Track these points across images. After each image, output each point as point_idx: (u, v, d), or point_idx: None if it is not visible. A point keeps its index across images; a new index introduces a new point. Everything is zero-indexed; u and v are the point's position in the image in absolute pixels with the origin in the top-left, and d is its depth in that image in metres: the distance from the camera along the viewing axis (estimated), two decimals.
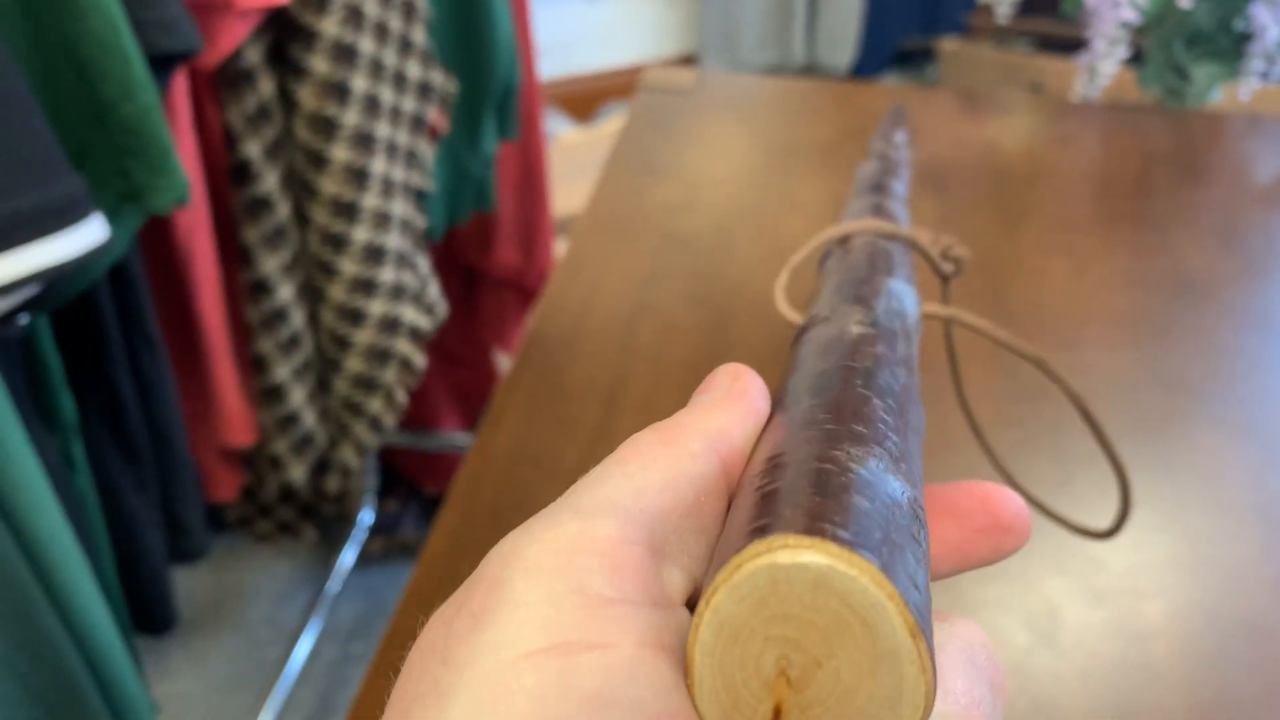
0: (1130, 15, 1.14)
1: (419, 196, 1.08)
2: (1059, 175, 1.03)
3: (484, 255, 1.38)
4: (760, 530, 0.16)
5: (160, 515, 0.94)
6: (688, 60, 2.90)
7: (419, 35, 1.01)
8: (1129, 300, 0.81)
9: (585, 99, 2.56)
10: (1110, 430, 0.66)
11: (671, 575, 0.18)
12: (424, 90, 1.04)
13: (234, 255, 0.98)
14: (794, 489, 0.17)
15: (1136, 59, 1.24)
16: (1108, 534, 0.34)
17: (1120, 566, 0.57)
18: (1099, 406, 0.69)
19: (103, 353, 0.83)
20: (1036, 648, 0.52)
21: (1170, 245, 0.89)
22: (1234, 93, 1.19)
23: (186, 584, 1.50)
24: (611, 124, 2.26)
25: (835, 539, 0.15)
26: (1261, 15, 1.10)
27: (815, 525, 0.15)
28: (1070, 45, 1.36)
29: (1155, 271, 0.85)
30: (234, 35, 0.86)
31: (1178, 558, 0.58)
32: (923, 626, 0.15)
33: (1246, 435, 0.67)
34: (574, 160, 2.00)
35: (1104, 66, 1.18)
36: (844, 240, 0.30)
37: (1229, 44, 1.18)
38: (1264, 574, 0.56)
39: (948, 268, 0.33)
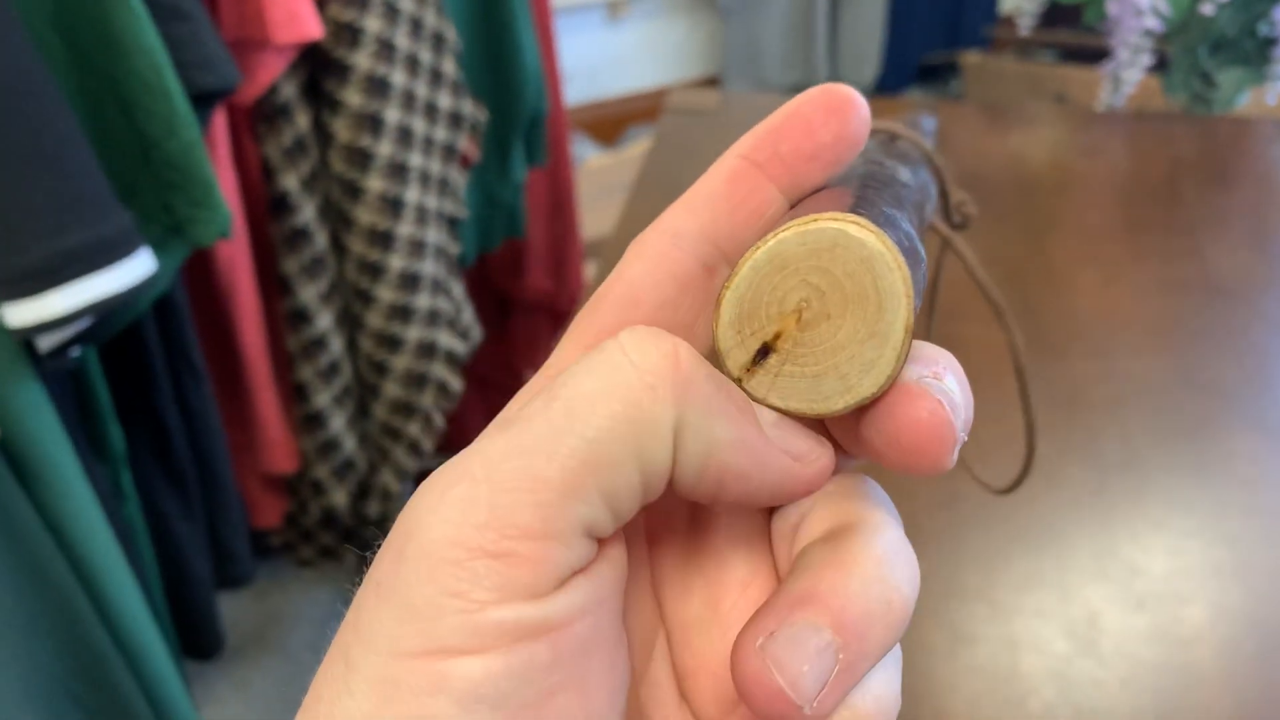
0: (1153, 23, 1.14)
1: (452, 224, 1.09)
2: (1086, 184, 1.03)
3: (516, 280, 1.40)
4: (844, 209, 0.20)
5: (206, 542, 0.96)
6: (711, 82, 2.92)
7: (449, 66, 1.03)
8: (1160, 306, 0.81)
9: (610, 123, 2.58)
10: (1145, 436, 0.66)
11: (595, 515, 0.18)
12: (455, 120, 1.06)
13: (274, 285, 1.00)
14: (866, 207, 0.21)
15: (1161, 66, 1.24)
16: (1006, 490, 0.38)
17: (1159, 572, 0.57)
18: (1133, 412, 0.69)
19: (149, 383, 0.85)
20: (1077, 655, 0.52)
21: (1201, 251, 0.89)
22: (1260, 97, 1.19)
23: (230, 610, 1.51)
24: (637, 147, 2.28)
25: (892, 241, 0.19)
26: None
27: (881, 228, 0.20)
28: (1094, 55, 1.36)
29: (1186, 277, 0.85)
30: (270, 71, 0.89)
31: (1217, 562, 0.58)
32: (913, 329, 0.19)
33: None
34: (601, 184, 2.02)
35: (1128, 75, 1.18)
36: (893, 138, 0.32)
37: (1254, 49, 1.17)
38: None
39: (957, 218, 0.36)
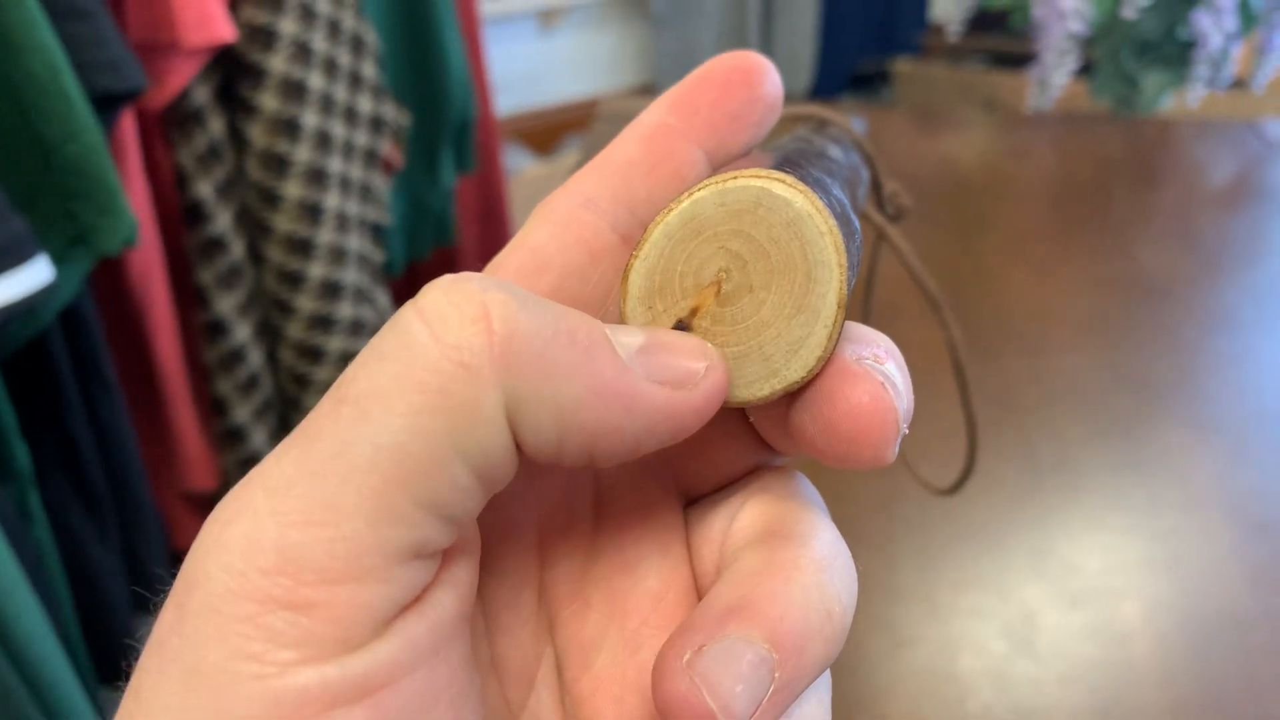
0: (1077, 26, 1.15)
1: (375, 231, 1.07)
2: (1017, 186, 1.04)
3: None
4: (767, 168, 0.18)
5: (123, 564, 0.92)
6: (647, 90, 2.92)
7: (369, 69, 1.01)
8: (1091, 304, 0.81)
9: (546, 133, 2.57)
10: (1079, 434, 0.66)
11: (418, 534, 0.15)
12: (376, 124, 1.03)
13: (190, 296, 0.97)
14: (792, 167, 0.19)
15: (1087, 70, 1.25)
16: (949, 491, 0.37)
17: (1095, 569, 0.57)
18: (1066, 410, 0.69)
19: (57, 399, 0.82)
20: (1015, 655, 0.52)
21: (1129, 249, 0.89)
22: (1183, 99, 1.21)
23: None
24: (573, 156, 2.27)
25: (822, 203, 0.17)
26: (1203, 23, 1.12)
27: (811, 187, 0.17)
28: (1023, 60, 1.38)
29: (1116, 275, 0.85)
30: (181, 75, 0.86)
31: (1151, 557, 0.57)
32: (847, 305, 0.17)
33: (1213, 432, 0.67)
34: (536, 194, 2.00)
35: (1054, 78, 1.20)
36: (822, 124, 0.30)
37: (1175, 52, 1.19)
38: (1236, 569, 0.56)
39: (890, 210, 0.34)
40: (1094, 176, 1.05)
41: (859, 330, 0.19)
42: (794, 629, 0.16)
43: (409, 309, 0.15)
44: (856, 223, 0.20)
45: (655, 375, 0.17)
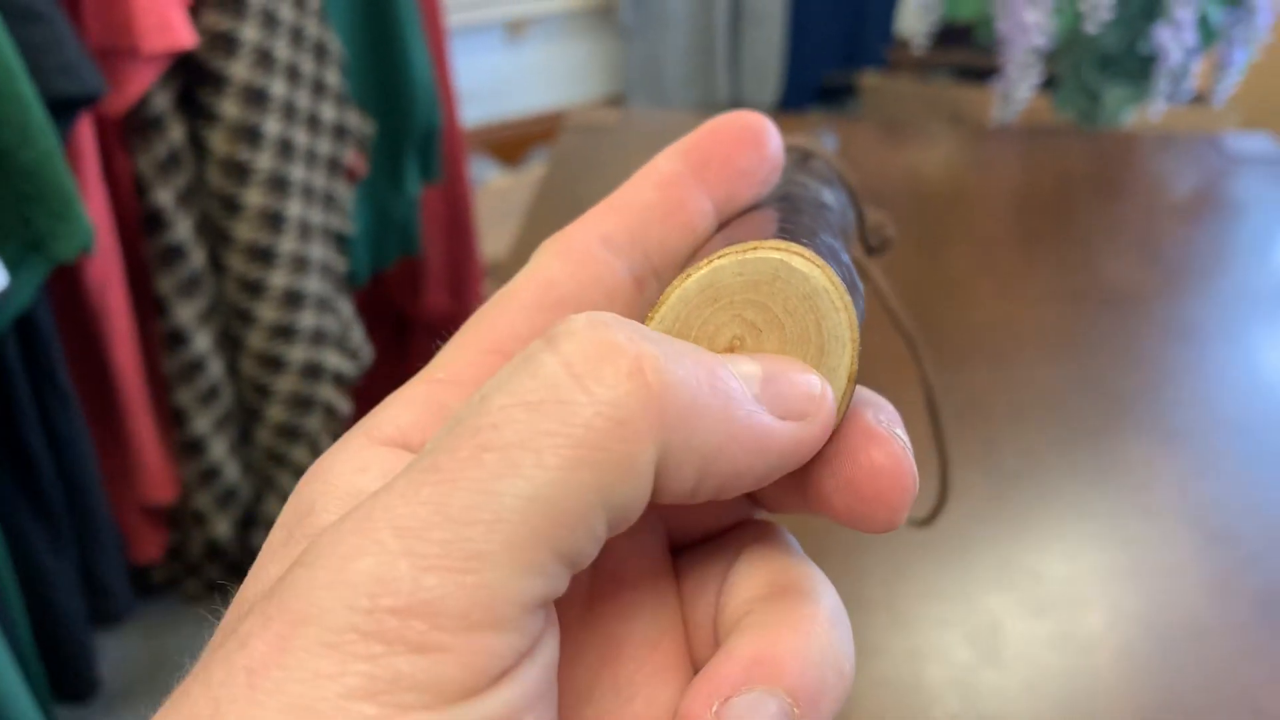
0: (1040, 40, 1.16)
1: (339, 240, 1.06)
2: (981, 198, 1.04)
3: (413, 300, 1.36)
4: (784, 234, 0.18)
5: (79, 576, 0.90)
6: (615, 101, 2.92)
7: (333, 77, 1.00)
8: (1055, 315, 0.82)
9: (514, 144, 2.56)
10: (1043, 444, 0.66)
11: (551, 583, 0.15)
12: (339, 132, 1.02)
13: (149, 305, 0.95)
14: (808, 236, 0.19)
15: (1050, 84, 1.26)
16: (924, 522, 0.37)
17: (1059, 577, 0.57)
18: (1031, 420, 0.69)
19: (11, 408, 0.80)
20: (980, 664, 0.52)
21: (1092, 260, 0.90)
22: (1145, 113, 1.22)
23: (117, 651, 1.44)
24: (541, 168, 2.26)
25: (838, 276, 0.17)
26: (1163, 37, 1.13)
27: (827, 260, 0.18)
28: (987, 74, 1.39)
29: (1079, 286, 0.86)
30: (141, 81, 0.84)
31: (1114, 566, 0.57)
32: (856, 379, 0.18)
33: (1175, 442, 0.67)
34: (503, 205, 2.00)
35: (1018, 92, 1.20)
36: (806, 156, 0.30)
37: (1136, 66, 1.20)
38: (1198, 577, 0.56)
39: (873, 241, 0.34)
40: (1057, 189, 1.06)
41: (868, 394, 0.19)
42: (812, 684, 0.17)
43: (550, 356, 0.15)
44: (861, 286, 0.20)
45: (779, 410, 0.17)
